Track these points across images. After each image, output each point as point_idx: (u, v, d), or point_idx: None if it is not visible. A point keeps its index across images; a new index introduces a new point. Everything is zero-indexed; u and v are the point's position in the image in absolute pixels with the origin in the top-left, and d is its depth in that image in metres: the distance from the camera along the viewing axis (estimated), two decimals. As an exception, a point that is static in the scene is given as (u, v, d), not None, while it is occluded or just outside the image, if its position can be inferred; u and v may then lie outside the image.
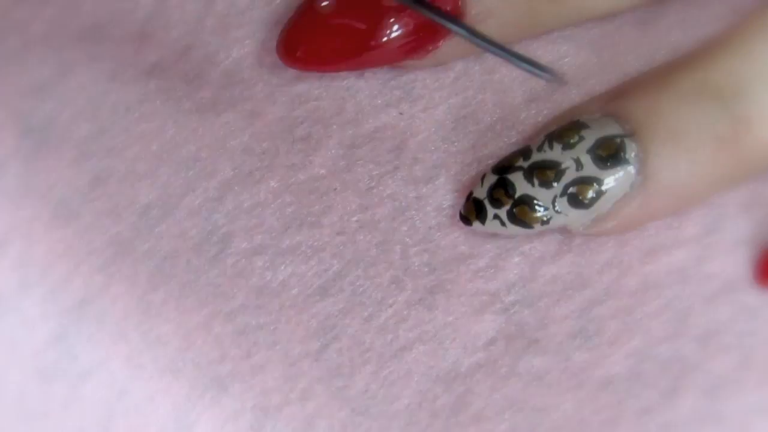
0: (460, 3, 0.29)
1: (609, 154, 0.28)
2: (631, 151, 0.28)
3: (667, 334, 0.30)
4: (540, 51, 0.32)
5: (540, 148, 0.29)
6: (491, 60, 0.31)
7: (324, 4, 0.30)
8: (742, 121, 0.28)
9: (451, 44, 0.30)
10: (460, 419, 0.31)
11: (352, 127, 0.32)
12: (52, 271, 0.32)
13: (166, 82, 0.32)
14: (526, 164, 0.29)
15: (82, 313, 0.32)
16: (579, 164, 0.28)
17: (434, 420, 0.31)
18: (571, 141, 0.29)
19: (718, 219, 0.31)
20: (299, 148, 0.32)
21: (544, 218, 0.29)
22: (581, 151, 0.29)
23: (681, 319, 0.30)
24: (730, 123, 0.28)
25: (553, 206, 0.29)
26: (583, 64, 0.31)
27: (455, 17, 0.26)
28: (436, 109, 0.31)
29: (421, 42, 0.30)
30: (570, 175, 0.29)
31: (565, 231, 0.30)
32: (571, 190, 0.29)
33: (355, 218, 0.31)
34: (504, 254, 0.31)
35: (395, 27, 0.29)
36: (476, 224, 0.30)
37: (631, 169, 0.28)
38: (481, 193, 0.30)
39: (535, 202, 0.29)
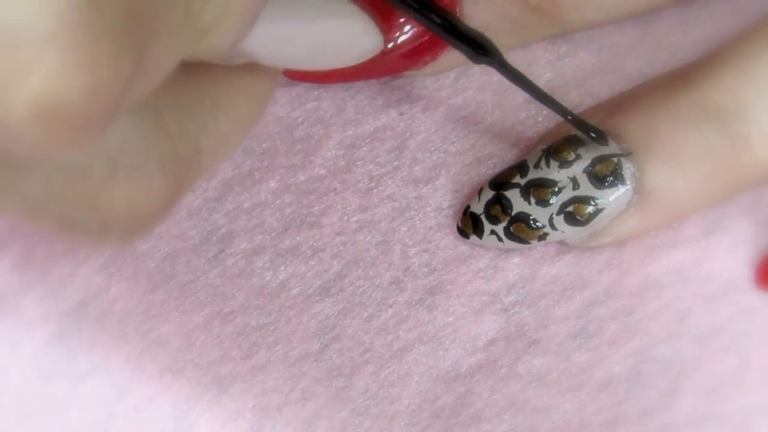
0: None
1: (606, 173, 0.28)
2: (628, 171, 0.28)
3: (667, 335, 0.30)
4: (540, 51, 0.32)
5: (537, 165, 0.29)
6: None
7: None
8: (740, 141, 0.28)
9: (450, 55, 0.30)
10: (460, 419, 0.31)
11: (352, 127, 0.32)
12: (52, 271, 0.32)
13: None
14: (522, 181, 0.29)
15: (82, 313, 0.32)
16: (576, 183, 0.28)
17: (434, 420, 0.31)
18: (568, 159, 0.29)
19: (718, 219, 0.31)
20: (299, 148, 0.32)
21: (541, 235, 0.29)
22: (578, 170, 0.28)
23: (681, 319, 0.30)
24: (728, 142, 0.28)
25: (550, 223, 0.29)
26: (583, 64, 0.31)
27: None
28: (436, 109, 0.31)
29: (420, 54, 0.30)
30: (567, 193, 0.29)
31: (562, 243, 0.30)
32: (568, 208, 0.29)
33: (355, 218, 0.31)
34: (504, 255, 0.31)
35: (394, 39, 0.29)
36: (473, 238, 0.30)
37: (628, 188, 0.28)
38: (478, 207, 0.30)
39: (532, 219, 0.29)
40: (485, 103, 0.31)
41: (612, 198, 0.28)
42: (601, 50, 0.31)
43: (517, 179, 0.29)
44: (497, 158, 0.31)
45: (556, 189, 0.29)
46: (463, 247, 0.31)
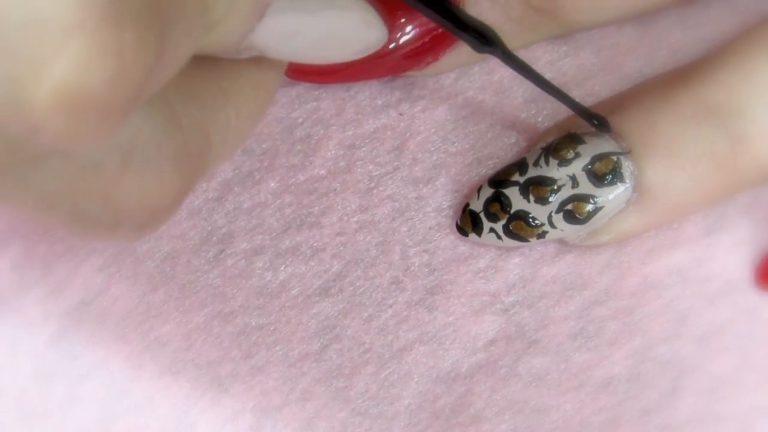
0: None
1: (605, 171, 0.28)
2: (627, 169, 0.28)
3: (666, 335, 0.30)
4: (540, 51, 0.32)
5: (536, 163, 0.29)
6: (491, 61, 0.31)
7: None
8: (740, 140, 0.28)
9: (451, 56, 0.30)
10: (460, 420, 0.31)
11: (352, 128, 0.32)
12: (52, 271, 0.32)
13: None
14: (522, 179, 0.29)
15: (82, 313, 0.32)
16: (575, 181, 0.28)
17: (434, 420, 0.31)
18: (567, 157, 0.29)
19: (718, 219, 0.31)
20: (299, 148, 0.32)
21: (540, 233, 0.29)
22: (577, 168, 0.28)
23: (681, 319, 0.30)
24: (728, 141, 0.28)
25: (549, 222, 0.29)
26: (583, 64, 0.31)
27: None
28: (436, 109, 0.31)
29: (421, 55, 0.30)
30: (566, 192, 0.29)
31: (561, 241, 0.30)
32: (567, 207, 0.29)
33: (355, 219, 0.31)
34: (504, 255, 0.31)
35: (396, 39, 0.29)
36: (472, 236, 0.30)
37: (627, 186, 0.28)
38: (477, 205, 0.30)
39: (531, 217, 0.29)
40: (485, 103, 0.31)
41: (611, 196, 0.28)
42: (601, 50, 0.31)
43: (516, 177, 0.29)
44: (497, 158, 0.31)
45: (556, 187, 0.29)
46: (463, 247, 0.31)
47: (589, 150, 0.28)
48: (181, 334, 0.31)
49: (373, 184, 0.31)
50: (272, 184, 0.32)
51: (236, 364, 0.31)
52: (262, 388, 0.31)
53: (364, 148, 0.32)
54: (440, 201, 0.31)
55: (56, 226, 0.21)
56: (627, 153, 0.28)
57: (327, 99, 0.32)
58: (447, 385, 0.31)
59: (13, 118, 0.17)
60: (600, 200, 0.28)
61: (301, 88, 0.32)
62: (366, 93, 0.32)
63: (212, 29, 0.20)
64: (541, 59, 0.32)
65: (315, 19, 0.23)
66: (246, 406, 0.31)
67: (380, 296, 0.31)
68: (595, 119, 0.28)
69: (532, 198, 0.29)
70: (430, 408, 0.31)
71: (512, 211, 0.29)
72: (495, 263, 0.31)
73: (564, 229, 0.29)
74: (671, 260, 0.31)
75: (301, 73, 0.30)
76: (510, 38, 0.30)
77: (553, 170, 0.29)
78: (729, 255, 0.31)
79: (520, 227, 0.29)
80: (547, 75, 0.31)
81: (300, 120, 0.32)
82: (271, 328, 0.31)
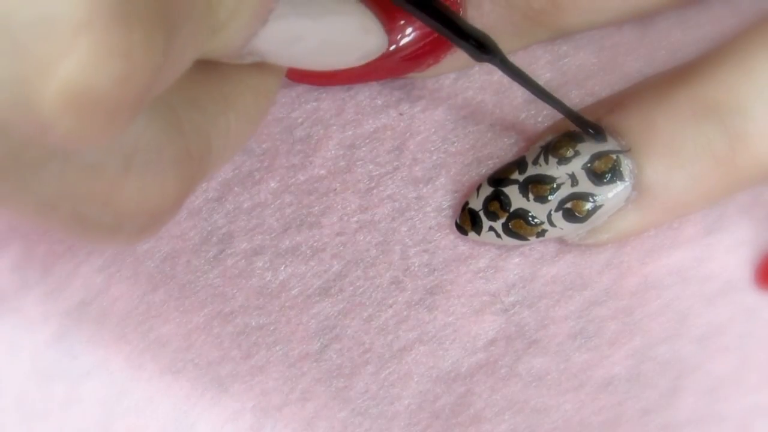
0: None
1: (605, 170, 0.28)
2: (626, 167, 0.28)
3: (667, 335, 0.30)
4: (540, 51, 0.32)
5: (535, 161, 0.29)
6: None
7: None
8: (739, 138, 0.28)
9: (452, 58, 0.30)
10: (460, 420, 0.31)
11: (351, 128, 0.32)
12: (52, 271, 0.32)
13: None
14: (521, 178, 0.29)
15: (82, 313, 0.32)
16: (574, 179, 0.28)
17: (434, 420, 0.31)
18: (567, 155, 0.29)
19: (718, 219, 0.31)
20: (299, 148, 0.32)
21: (540, 231, 0.29)
22: (576, 166, 0.29)
23: (681, 319, 0.30)
24: (727, 139, 0.28)
25: (549, 220, 0.29)
26: (583, 64, 0.31)
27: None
28: (436, 109, 0.31)
29: (422, 57, 0.30)
30: (565, 190, 0.29)
31: (560, 240, 0.30)
32: (566, 205, 0.29)
33: (354, 218, 0.31)
34: (504, 255, 0.31)
35: (396, 42, 0.29)
36: (472, 234, 0.30)
37: (626, 184, 0.28)
38: (476, 204, 0.30)
39: (531, 215, 0.29)
40: (485, 103, 0.31)
41: (610, 195, 0.28)
42: (601, 50, 0.31)
43: (515, 176, 0.29)
44: (497, 158, 0.31)
45: (555, 186, 0.29)
46: (463, 247, 0.31)
47: (588, 148, 0.28)
48: (181, 334, 0.31)
49: (373, 184, 0.31)
50: (272, 184, 0.32)
51: (236, 364, 0.31)
52: (262, 388, 0.31)
53: (364, 148, 0.32)
54: (440, 201, 0.31)
55: (57, 229, 0.21)
56: (626, 151, 0.28)
57: (327, 99, 0.32)
58: (447, 385, 0.31)
59: (21, 118, 0.17)
60: (599, 199, 0.28)
61: (301, 89, 0.32)
62: (366, 93, 0.32)
63: (217, 32, 0.20)
64: (541, 59, 0.32)
65: (317, 24, 0.23)
66: (246, 406, 0.31)
67: (380, 296, 0.31)
68: (592, 128, 0.28)
69: (531, 196, 0.29)
70: (430, 408, 0.31)
71: (512, 210, 0.29)
72: (495, 263, 0.31)
73: (563, 227, 0.29)
74: (671, 260, 0.31)
75: (301, 75, 0.30)
76: (511, 40, 0.30)
77: (553, 169, 0.29)
78: (729, 255, 0.31)
79: (519, 226, 0.29)
80: (547, 75, 0.31)
81: (300, 120, 0.32)
82: (271, 328, 0.31)
